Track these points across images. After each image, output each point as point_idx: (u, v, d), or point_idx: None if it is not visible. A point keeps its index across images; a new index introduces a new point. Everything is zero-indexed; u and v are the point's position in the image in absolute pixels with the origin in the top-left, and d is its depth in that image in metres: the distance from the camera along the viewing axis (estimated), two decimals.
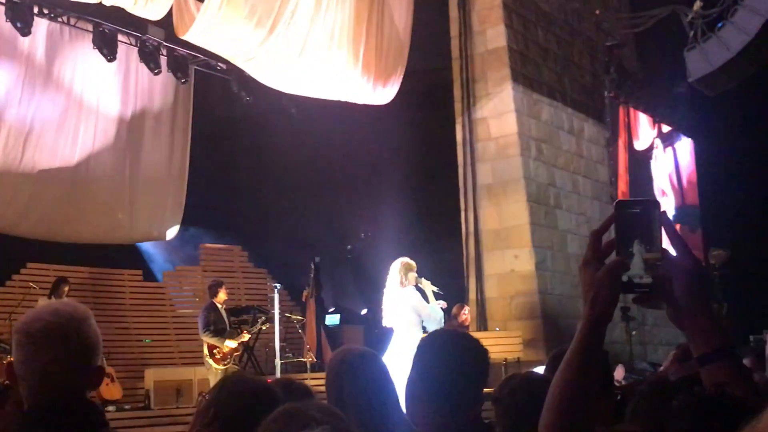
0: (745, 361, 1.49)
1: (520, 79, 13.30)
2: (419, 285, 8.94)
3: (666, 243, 1.52)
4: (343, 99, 12.36)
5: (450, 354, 2.57)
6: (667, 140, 16.98)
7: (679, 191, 17.11)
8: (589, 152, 14.83)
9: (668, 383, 2.19)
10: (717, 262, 14.45)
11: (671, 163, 16.98)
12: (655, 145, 16.35)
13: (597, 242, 1.53)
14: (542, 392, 1.56)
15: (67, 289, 11.31)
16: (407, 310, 8.78)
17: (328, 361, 3.33)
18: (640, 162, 15.82)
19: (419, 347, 2.66)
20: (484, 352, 2.65)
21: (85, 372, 2.17)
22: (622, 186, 14.96)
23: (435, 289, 9.12)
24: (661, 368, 5.76)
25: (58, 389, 2.12)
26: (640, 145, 15.89)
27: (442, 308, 9.21)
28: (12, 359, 2.24)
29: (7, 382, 2.29)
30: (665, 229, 1.51)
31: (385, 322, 8.99)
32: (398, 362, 7.47)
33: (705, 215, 17.14)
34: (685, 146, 17.53)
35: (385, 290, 9.01)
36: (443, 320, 9.02)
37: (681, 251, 1.51)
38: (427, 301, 8.98)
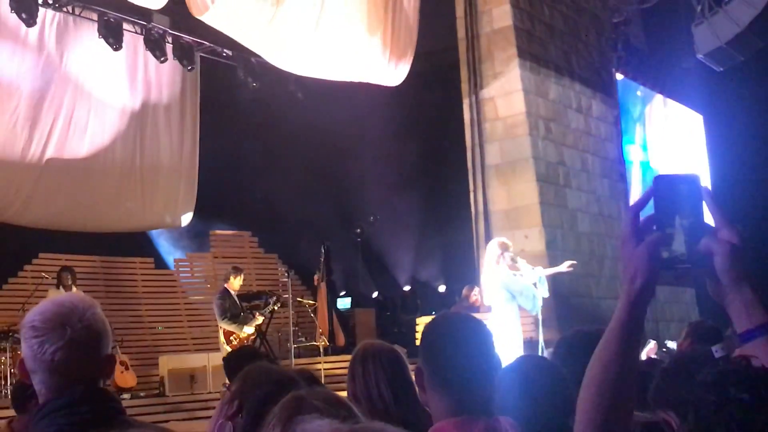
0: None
1: (527, 57, 13.22)
2: (515, 264, 9.24)
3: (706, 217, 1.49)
4: (356, 78, 12.26)
5: (454, 338, 2.51)
6: None
7: None
8: (598, 130, 14.76)
9: (691, 359, 2.17)
10: None
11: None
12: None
13: (635, 218, 1.50)
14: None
15: (70, 277, 11.39)
16: (499, 288, 9.15)
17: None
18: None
19: (423, 334, 2.60)
20: (488, 333, 2.60)
21: (94, 361, 2.17)
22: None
23: (530, 267, 9.45)
24: (676, 346, 5.74)
25: (69, 380, 2.13)
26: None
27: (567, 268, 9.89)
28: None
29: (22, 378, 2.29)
30: (707, 204, 1.47)
31: (485, 300, 9.33)
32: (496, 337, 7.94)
33: (714, 189, 17.08)
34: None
35: (482, 270, 9.48)
36: (536, 297, 9.31)
37: (723, 225, 1.46)
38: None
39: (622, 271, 1.49)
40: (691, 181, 1.48)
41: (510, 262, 9.23)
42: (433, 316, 9.97)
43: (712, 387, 1.34)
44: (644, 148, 16.22)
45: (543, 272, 9.77)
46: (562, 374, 2.77)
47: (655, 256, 1.45)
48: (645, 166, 16.14)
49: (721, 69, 13.76)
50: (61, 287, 11.25)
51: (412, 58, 12.45)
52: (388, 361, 3.34)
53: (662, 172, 1.56)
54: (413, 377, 3.10)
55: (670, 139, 16.97)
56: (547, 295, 9.69)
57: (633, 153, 15.87)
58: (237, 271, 11.65)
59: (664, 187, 1.48)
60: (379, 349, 3.42)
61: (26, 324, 2.16)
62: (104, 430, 2.06)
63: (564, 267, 10.12)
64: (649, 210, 1.51)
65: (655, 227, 1.48)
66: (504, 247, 9.33)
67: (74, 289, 11.35)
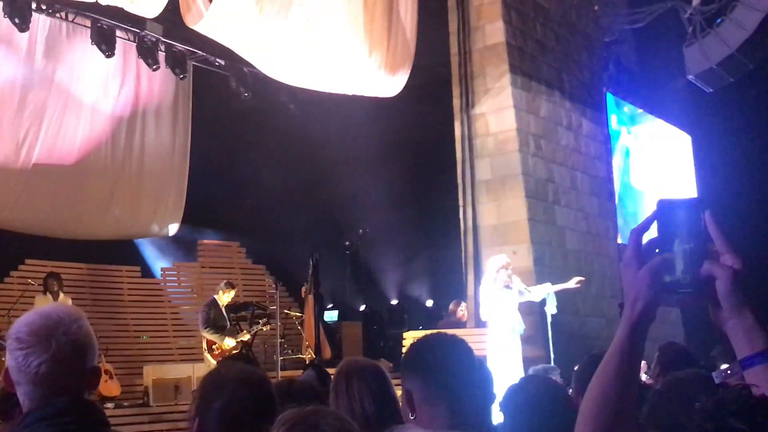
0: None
1: (519, 74, 13.26)
2: (511, 281, 9.59)
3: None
4: (351, 91, 12.23)
5: (439, 354, 2.50)
6: None
7: None
8: (588, 148, 14.81)
9: (686, 383, 2.16)
10: None
11: None
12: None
13: (638, 241, 1.48)
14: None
15: (56, 283, 11.32)
16: (492, 304, 9.51)
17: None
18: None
19: (408, 356, 2.58)
20: (467, 348, 2.58)
21: (79, 373, 2.16)
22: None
23: (524, 286, 9.73)
24: (650, 372, 5.68)
25: (54, 392, 2.11)
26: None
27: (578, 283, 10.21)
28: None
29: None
30: (710, 228, 1.46)
31: (481, 316, 9.88)
32: (491, 353, 9.04)
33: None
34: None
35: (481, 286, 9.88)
36: (520, 320, 9.65)
37: (726, 250, 1.45)
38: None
39: (624, 293, 1.47)
40: (694, 205, 1.48)
41: (506, 279, 9.37)
42: (420, 331, 10.15)
43: (710, 415, 1.32)
44: (626, 163, 16.30)
45: (552, 289, 10.05)
46: (567, 395, 2.76)
47: (657, 281, 1.44)
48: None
49: (711, 90, 13.87)
50: (48, 293, 11.20)
51: (410, 69, 12.42)
52: (372, 378, 3.34)
53: (664, 196, 1.54)
54: (397, 394, 3.10)
55: (657, 159, 17.03)
56: (555, 311, 10.01)
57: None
58: (229, 286, 11.64)
59: (666, 211, 1.47)
60: (363, 366, 3.43)
61: (11, 335, 2.15)
62: None
63: (572, 284, 10.26)
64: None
65: (657, 251, 1.47)
66: (503, 265, 9.54)
67: (61, 295, 11.30)
